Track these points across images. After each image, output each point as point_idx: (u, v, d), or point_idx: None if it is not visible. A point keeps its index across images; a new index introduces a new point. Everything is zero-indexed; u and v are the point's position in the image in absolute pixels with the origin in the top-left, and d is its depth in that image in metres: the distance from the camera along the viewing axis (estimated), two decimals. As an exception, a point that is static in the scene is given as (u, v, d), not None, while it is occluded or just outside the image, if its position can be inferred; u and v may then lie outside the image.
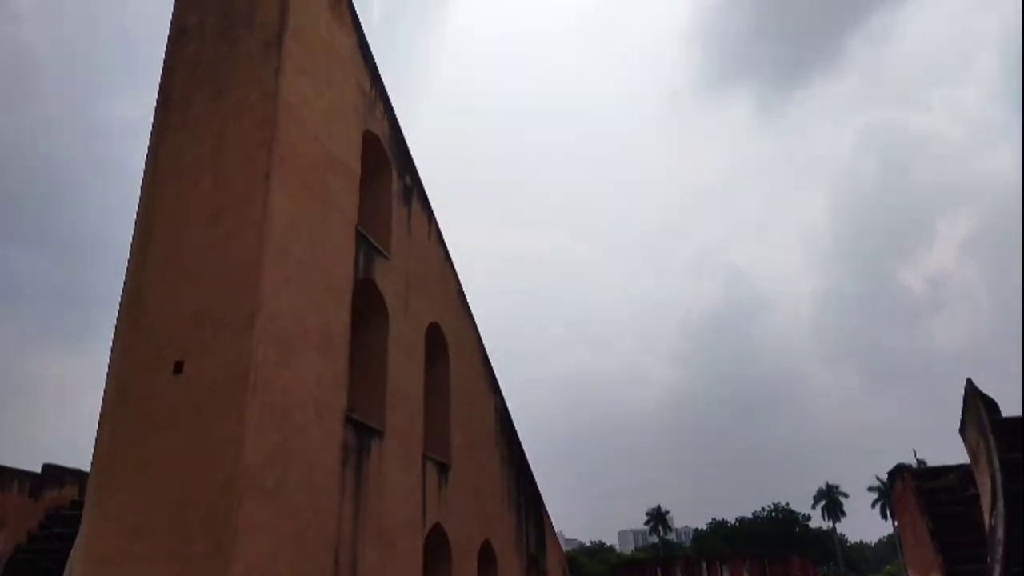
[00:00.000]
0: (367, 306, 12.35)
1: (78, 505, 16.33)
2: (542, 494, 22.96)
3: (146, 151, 10.73)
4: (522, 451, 21.20)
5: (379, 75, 13.73)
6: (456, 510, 14.80)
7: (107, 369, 9.52)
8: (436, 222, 16.11)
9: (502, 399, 19.82)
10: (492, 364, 19.33)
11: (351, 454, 10.76)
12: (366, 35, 13.37)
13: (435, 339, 15.37)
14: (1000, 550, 14.04)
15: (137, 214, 10.46)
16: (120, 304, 9.89)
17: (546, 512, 23.06)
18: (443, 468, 14.52)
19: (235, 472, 8.17)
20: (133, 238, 10.23)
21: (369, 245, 12.42)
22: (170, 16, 11.56)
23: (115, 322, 9.77)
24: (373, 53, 13.58)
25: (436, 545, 13.79)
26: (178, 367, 8.92)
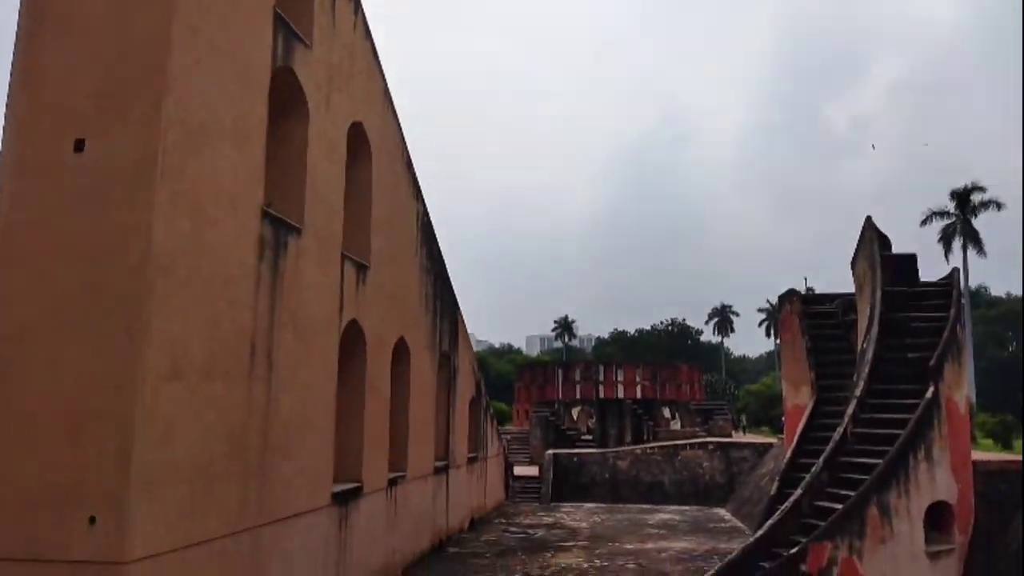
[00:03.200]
0: (286, 99, 11.74)
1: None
2: (458, 298, 23.77)
3: None
4: (442, 257, 21.61)
5: None
6: (373, 309, 15.21)
7: None
8: (363, 13, 15.07)
9: (424, 206, 19.82)
10: (416, 171, 19.10)
11: (267, 249, 10.71)
12: None
13: (358, 139, 14.92)
14: (866, 369, 15.66)
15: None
16: (11, 73, 9.06)
17: (461, 315, 24.01)
18: (362, 268, 14.70)
19: (145, 258, 8.04)
20: (21, 2, 9.18)
21: (289, 30, 11.58)
22: None
23: (7, 93, 9.01)
24: None
25: (352, 339, 14.29)
26: (79, 145, 8.41)
